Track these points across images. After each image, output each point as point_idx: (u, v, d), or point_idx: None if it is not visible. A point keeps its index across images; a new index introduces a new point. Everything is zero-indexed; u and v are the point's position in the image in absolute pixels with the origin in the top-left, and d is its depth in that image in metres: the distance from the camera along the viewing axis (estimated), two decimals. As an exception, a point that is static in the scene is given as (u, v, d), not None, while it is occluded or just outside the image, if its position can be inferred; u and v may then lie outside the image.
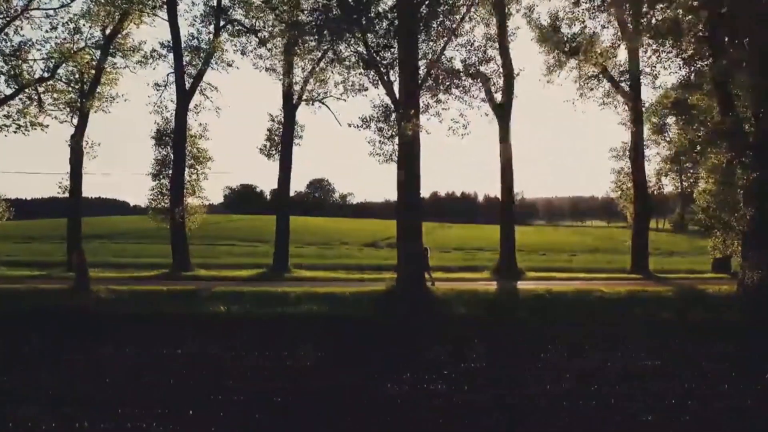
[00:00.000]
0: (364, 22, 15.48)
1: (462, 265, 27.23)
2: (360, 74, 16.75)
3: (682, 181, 64.78)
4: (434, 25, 16.13)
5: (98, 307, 15.96)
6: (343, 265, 26.23)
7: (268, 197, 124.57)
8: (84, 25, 24.46)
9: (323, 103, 24.37)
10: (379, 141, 16.95)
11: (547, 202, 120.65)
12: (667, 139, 33.33)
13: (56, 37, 24.21)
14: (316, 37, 15.80)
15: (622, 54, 23.72)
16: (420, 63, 16.74)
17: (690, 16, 16.41)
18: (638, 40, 22.18)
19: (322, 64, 20.03)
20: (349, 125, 16.14)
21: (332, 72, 20.25)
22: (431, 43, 16.56)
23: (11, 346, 12.55)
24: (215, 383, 9.88)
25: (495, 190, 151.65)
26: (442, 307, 15.70)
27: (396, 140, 16.73)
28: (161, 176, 23.31)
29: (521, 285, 19.51)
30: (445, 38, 16.54)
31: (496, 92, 21.49)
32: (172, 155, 23.46)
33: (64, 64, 25.03)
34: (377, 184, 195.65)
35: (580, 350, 12.48)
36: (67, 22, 24.36)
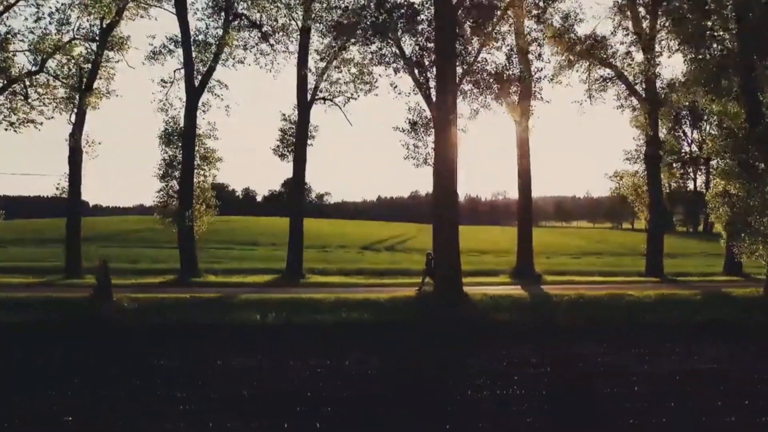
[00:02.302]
0: (403, 25, 15.92)
1: (474, 269, 27.85)
2: (398, 75, 17.23)
3: (670, 183, 67.56)
4: (471, 28, 16.70)
5: (124, 317, 15.88)
6: (357, 269, 26.56)
7: (240, 197, 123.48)
8: (70, 15, 24.03)
9: (334, 102, 24.73)
10: (414, 144, 17.43)
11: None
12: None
13: (42, 28, 23.71)
14: (354, 36, 16.13)
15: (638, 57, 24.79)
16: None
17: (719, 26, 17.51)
18: (654, 43, 23.42)
19: (356, 67, 20.45)
20: (395, 129, 16.61)
21: (356, 70, 20.74)
22: (467, 47, 17.12)
23: (48, 359, 12.48)
24: (292, 394, 10.13)
25: (476, 190, 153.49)
26: (483, 313, 16.27)
27: (432, 143, 17.24)
28: (168, 177, 23.13)
29: (549, 289, 20.26)
30: (481, 41, 17.13)
31: (516, 94, 22.22)
32: (175, 155, 23.37)
33: (53, 58, 24.61)
34: (353, 183, 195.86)
35: (633, 354, 13.24)
36: (53, 12, 23.93)
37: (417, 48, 16.68)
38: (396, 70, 16.83)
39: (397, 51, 17.05)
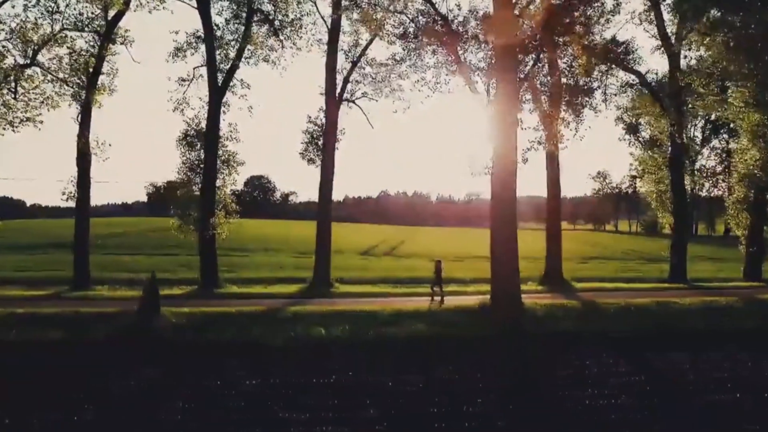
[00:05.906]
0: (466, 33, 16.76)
1: (483, 277, 28.81)
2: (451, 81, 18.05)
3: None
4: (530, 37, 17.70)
5: (177, 333, 15.88)
6: (381, 278, 27.18)
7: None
8: (59, 4, 23.53)
9: (355, 103, 25.35)
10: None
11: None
12: (640, 140, 37.46)
13: (26, 16, 23.15)
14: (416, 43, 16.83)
15: (656, 64, 26.54)
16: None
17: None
18: (680, 49, 25.17)
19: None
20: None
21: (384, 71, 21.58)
22: (525, 56, 18.12)
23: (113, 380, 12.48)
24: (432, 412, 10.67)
25: (449, 190, 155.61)
26: (546, 323, 17.25)
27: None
28: (189, 183, 23.08)
29: (586, 296, 21.49)
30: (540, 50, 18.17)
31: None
32: (196, 157, 23.39)
33: (47, 50, 24.10)
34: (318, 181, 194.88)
35: (710, 361, 14.45)
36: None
37: (479, 55, 17.58)
38: (471, 76, 17.62)
39: (453, 57, 17.85)
